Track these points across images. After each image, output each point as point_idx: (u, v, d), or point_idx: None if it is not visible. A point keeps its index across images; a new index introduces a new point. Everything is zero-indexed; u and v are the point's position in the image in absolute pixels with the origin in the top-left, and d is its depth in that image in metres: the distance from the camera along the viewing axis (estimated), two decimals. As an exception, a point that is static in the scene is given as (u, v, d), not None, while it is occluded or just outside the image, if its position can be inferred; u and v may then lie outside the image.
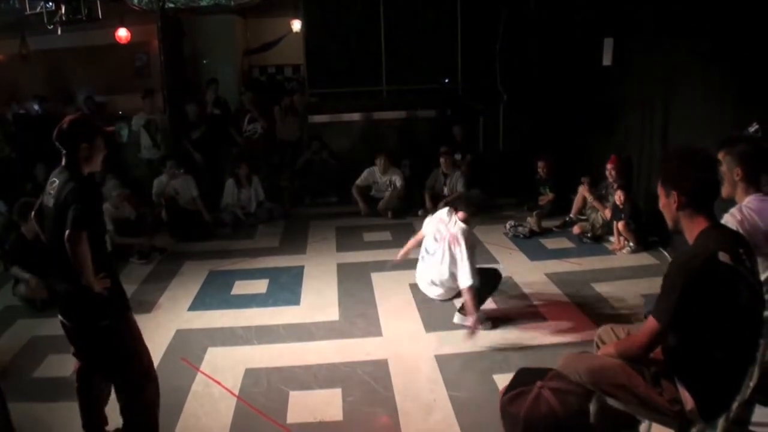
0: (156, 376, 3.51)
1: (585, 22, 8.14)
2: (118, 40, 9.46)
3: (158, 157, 9.18)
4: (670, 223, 2.69)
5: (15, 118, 10.10)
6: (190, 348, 4.83)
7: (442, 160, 8.80)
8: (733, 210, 3.20)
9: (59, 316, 3.35)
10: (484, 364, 4.46)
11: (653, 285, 4.99)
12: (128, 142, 9.57)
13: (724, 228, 2.75)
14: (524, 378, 1.72)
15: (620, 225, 6.78)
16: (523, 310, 5.41)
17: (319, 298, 5.82)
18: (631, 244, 6.78)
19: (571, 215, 7.82)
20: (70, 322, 3.32)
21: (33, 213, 3.48)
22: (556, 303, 5.53)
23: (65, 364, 4.62)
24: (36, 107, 10.33)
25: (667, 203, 2.64)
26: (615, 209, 6.94)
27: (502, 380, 4.13)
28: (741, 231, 2.99)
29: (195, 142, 9.31)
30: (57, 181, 3.19)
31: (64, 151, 3.21)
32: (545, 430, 1.58)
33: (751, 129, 4.56)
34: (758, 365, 3.07)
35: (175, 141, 9.40)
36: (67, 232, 2.98)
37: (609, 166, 7.25)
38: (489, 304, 5.54)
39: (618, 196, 6.87)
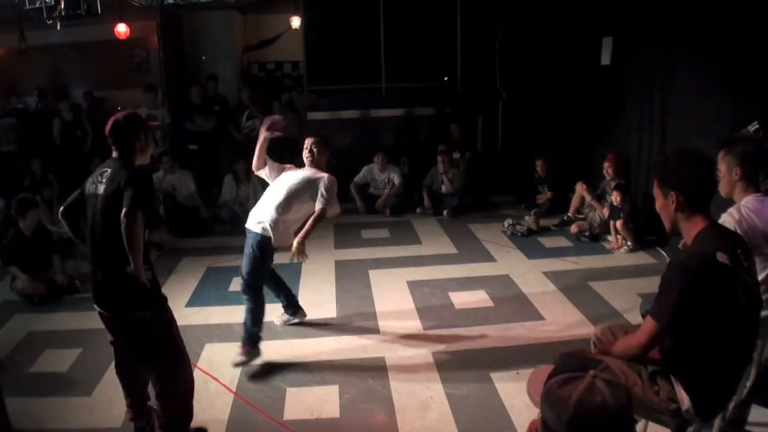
0: (191, 366, 3.63)
1: (584, 21, 8.14)
2: (117, 35, 9.43)
3: (157, 153, 9.17)
4: (667, 224, 2.68)
5: (14, 113, 10.07)
6: (187, 344, 4.73)
7: (439, 158, 8.81)
8: (731, 210, 3.20)
9: (96, 306, 3.38)
10: (481, 361, 4.46)
11: (651, 284, 4.99)
12: None
13: (722, 228, 2.75)
14: (572, 364, 1.71)
15: (618, 224, 6.79)
16: (520, 309, 5.41)
17: (317, 295, 5.82)
18: (629, 243, 6.79)
19: (569, 214, 7.83)
20: (109, 311, 3.36)
21: (63, 209, 3.57)
22: (553, 301, 5.53)
23: (62, 359, 4.64)
24: (35, 102, 10.31)
25: (664, 204, 2.64)
26: (612, 208, 6.94)
27: (499, 378, 4.17)
28: (739, 231, 2.99)
29: (195, 133, 9.32)
30: (109, 170, 3.27)
31: (117, 145, 3.32)
32: (596, 419, 1.57)
33: (752, 128, 4.56)
34: (755, 365, 3.08)
35: (174, 129, 9.40)
36: (124, 210, 3.04)
37: (606, 164, 7.27)
38: (486, 302, 5.55)
39: (615, 197, 6.88)
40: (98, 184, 3.27)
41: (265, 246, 4.47)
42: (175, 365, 3.46)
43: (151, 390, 3.60)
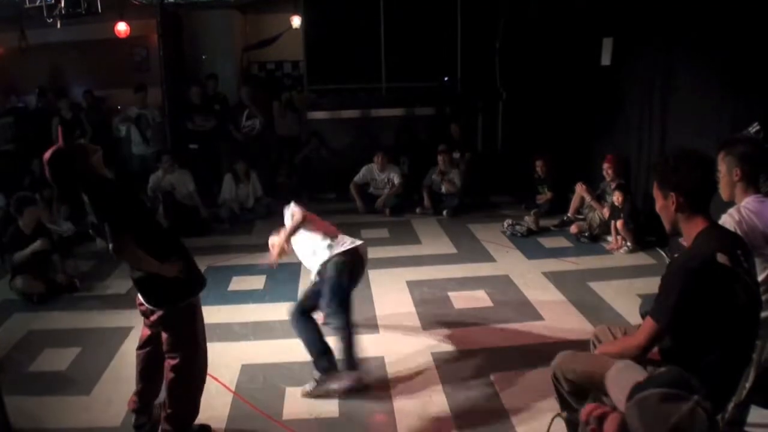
0: (206, 360, 3.69)
1: (584, 21, 8.14)
2: (117, 34, 9.42)
3: (150, 153, 9.18)
4: (667, 226, 2.68)
5: (13, 112, 10.07)
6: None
7: (439, 158, 8.81)
8: (732, 210, 3.20)
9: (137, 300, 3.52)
10: (480, 361, 4.45)
11: (650, 285, 4.99)
12: (125, 137, 9.54)
13: (722, 229, 2.75)
14: (680, 382, 1.68)
15: (619, 224, 6.79)
16: (519, 309, 5.41)
17: (316, 294, 5.81)
18: (629, 243, 6.79)
19: (569, 214, 7.83)
20: (148, 305, 3.44)
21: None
22: (552, 302, 5.53)
23: (61, 358, 4.64)
24: (36, 101, 10.31)
25: (665, 205, 2.64)
26: (613, 209, 6.94)
27: (499, 378, 4.17)
28: (739, 232, 2.99)
29: (195, 133, 9.32)
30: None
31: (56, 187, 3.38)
32: None
33: (752, 129, 4.56)
34: (754, 366, 3.08)
35: (173, 128, 9.40)
36: (110, 246, 3.11)
37: (606, 165, 7.27)
38: (485, 302, 5.55)
39: (616, 197, 6.88)
40: None
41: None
42: (193, 358, 3.52)
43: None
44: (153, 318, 3.44)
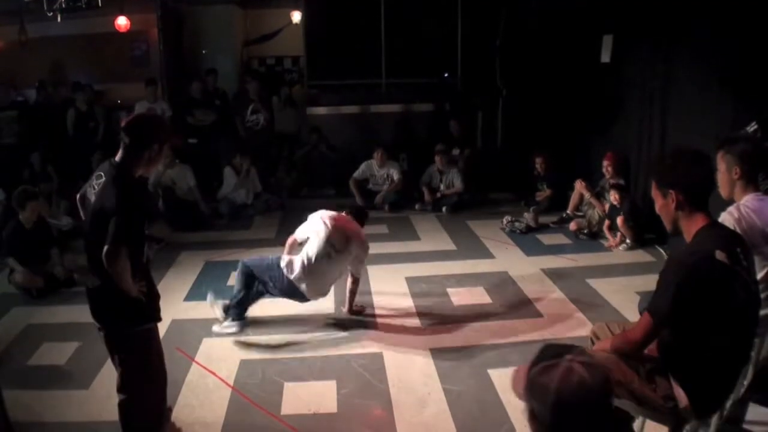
0: (164, 387, 3.47)
1: (584, 18, 8.13)
2: (117, 28, 9.40)
3: None
4: (668, 226, 2.68)
5: (14, 106, 10.05)
6: (185, 338, 4.83)
7: (437, 158, 8.81)
8: (731, 208, 3.20)
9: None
10: (478, 358, 4.46)
11: (648, 282, 4.98)
12: None
13: (722, 226, 2.76)
14: (551, 353, 1.78)
15: (619, 220, 6.78)
16: (518, 305, 5.41)
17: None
18: (628, 240, 6.79)
19: (568, 211, 7.84)
20: (98, 323, 3.24)
21: (78, 197, 3.27)
22: (551, 298, 5.54)
23: (60, 353, 4.64)
24: (36, 94, 10.30)
25: (664, 204, 2.64)
26: (612, 208, 6.95)
27: (497, 375, 4.17)
28: (738, 229, 2.99)
29: (195, 127, 9.31)
30: (103, 179, 3.04)
31: (127, 144, 3.05)
32: (577, 399, 1.64)
33: (750, 129, 4.56)
34: (753, 364, 3.09)
35: (173, 123, 9.39)
36: (105, 248, 2.87)
37: (605, 163, 7.26)
38: (484, 298, 5.55)
39: (613, 196, 6.89)
40: (92, 189, 3.10)
41: None
42: (144, 391, 3.31)
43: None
44: (105, 338, 3.25)
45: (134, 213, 3.03)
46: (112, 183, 2.99)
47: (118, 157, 3.08)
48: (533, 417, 1.74)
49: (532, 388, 1.71)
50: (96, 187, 3.06)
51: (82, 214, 3.29)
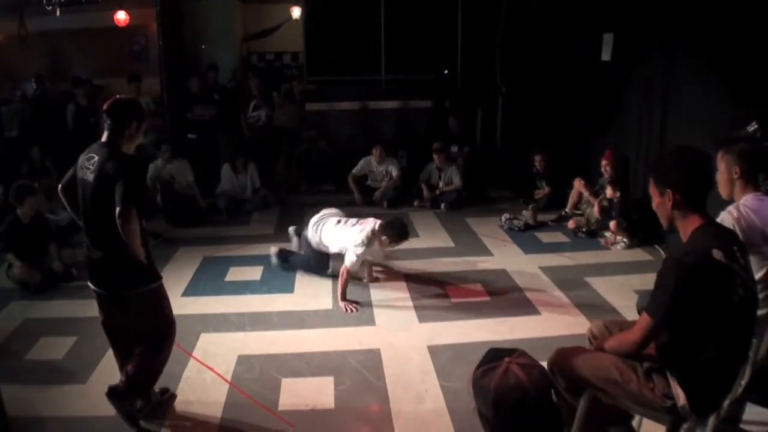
0: (172, 343, 3.76)
1: (585, 16, 8.12)
2: (116, 23, 9.38)
3: (146, 141, 9.16)
4: (664, 223, 2.68)
5: (15, 99, 10.05)
6: (183, 333, 4.79)
7: (435, 156, 8.80)
8: (730, 208, 3.20)
9: (90, 284, 3.56)
10: (476, 355, 4.40)
11: (646, 281, 5.00)
12: None
13: (719, 225, 2.76)
14: (494, 356, 1.88)
15: (612, 224, 6.79)
16: (516, 303, 5.41)
17: (313, 286, 5.82)
18: (625, 240, 6.79)
19: (567, 210, 7.84)
20: (105, 290, 3.52)
21: (60, 186, 3.67)
22: (549, 296, 5.54)
23: (58, 347, 4.64)
24: (33, 89, 10.28)
25: (661, 202, 2.64)
26: (603, 208, 6.96)
27: (494, 372, 4.17)
28: (737, 229, 3.00)
29: (194, 122, 9.30)
30: (96, 157, 3.33)
31: (110, 126, 3.37)
32: (514, 398, 1.76)
33: (750, 128, 4.56)
34: (750, 364, 3.09)
35: (172, 118, 9.39)
36: (118, 209, 3.13)
37: (604, 162, 7.25)
38: (482, 296, 5.56)
39: (609, 191, 6.89)
40: (86, 170, 3.36)
41: None
42: (164, 336, 3.64)
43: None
44: (125, 301, 3.51)
45: (138, 176, 3.38)
46: (110, 156, 3.30)
47: (104, 138, 3.41)
48: (480, 414, 1.81)
49: (475, 389, 1.80)
50: (91, 167, 3.33)
51: (65, 203, 3.71)
